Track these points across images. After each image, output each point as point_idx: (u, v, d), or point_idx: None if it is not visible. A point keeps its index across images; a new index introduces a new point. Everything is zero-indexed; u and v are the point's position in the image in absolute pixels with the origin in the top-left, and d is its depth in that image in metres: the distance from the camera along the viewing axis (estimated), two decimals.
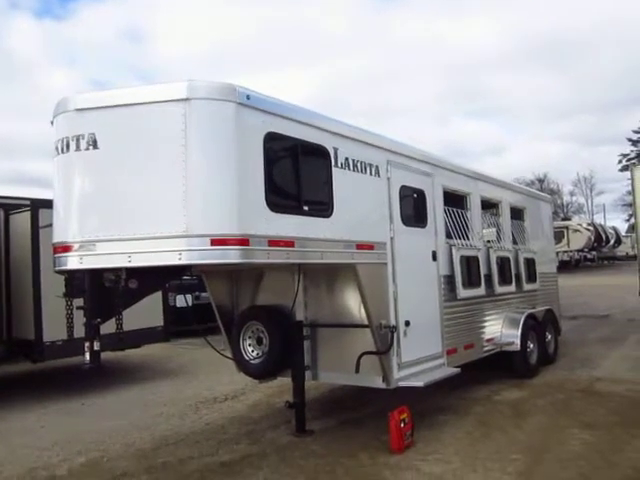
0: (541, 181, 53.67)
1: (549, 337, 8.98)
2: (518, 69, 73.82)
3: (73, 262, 4.22)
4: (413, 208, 6.25)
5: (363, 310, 5.36)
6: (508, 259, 8.13)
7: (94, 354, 4.43)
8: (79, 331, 4.71)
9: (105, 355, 4.78)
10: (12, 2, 70.21)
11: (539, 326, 8.48)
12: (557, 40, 67.10)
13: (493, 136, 73.75)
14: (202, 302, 11.44)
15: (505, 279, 7.95)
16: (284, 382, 6.55)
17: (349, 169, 5.21)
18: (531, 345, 8.11)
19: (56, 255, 4.38)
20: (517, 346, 7.67)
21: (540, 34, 69.40)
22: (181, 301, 12.35)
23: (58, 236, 4.39)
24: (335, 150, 5.05)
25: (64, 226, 4.34)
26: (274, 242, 4.36)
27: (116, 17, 77.88)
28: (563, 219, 42.25)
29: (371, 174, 5.52)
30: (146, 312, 8.31)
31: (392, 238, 5.69)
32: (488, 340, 7.52)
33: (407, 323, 5.73)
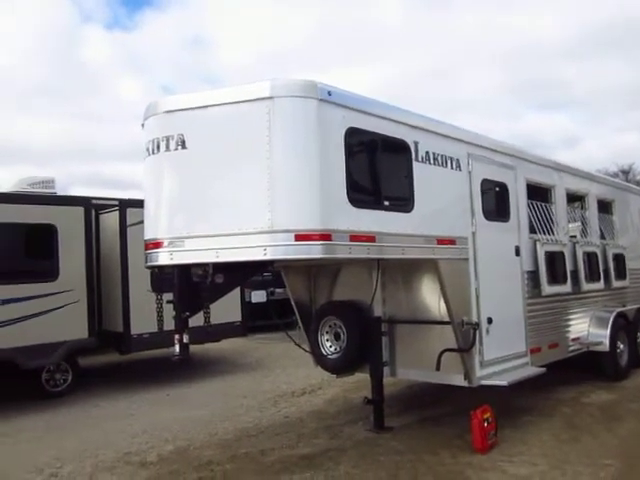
0: (626, 172, 50.36)
1: None
2: (590, 55, 69.11)
3: (164, 258, 4.39)
4: (495, 202, 6.07)
5: (444, 306, 5.27)
6: (595, 255, 7.74)
7: (183, 346, 4.60)
8: (167, 324, 4.92)
9: None
10: (85, 16, 74.61)
11: (630, 326, 8.03)
12: (633, 24, 62.25)
13: (566, 127, 69.59)
14: (277, 298, 11.70)
15: (592, 275, 7.58)
16: (360, 377, 6.57)
17: (429, 163, 5.13)
18: (621, 345, 7.69)
19: (147, 251, 4.57)
20: (606, 346, 7.29)
21: (613, 17, 64.64)
22: (256, 297, 12.64)
23: (149, 233, 4.58)
24: (415, 144, 4.98)
25: (155, 223, 4.53)
26: (355, 237, 4.36)
27: (179, 24, 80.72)
28: None
29: (452, 168, 5.40)
30: (225, 307, 8.58)
31: (474, 233, 5.55)
32: (574, 339, 7.19)
33: (490, 320, 5.58)
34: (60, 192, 9.36)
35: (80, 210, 8.49)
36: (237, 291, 9.73)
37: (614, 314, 7.57)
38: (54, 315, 7.99)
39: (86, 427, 6.71)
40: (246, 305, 10.49)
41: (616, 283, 8.17)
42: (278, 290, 11.82)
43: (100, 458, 5.53)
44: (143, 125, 4.68)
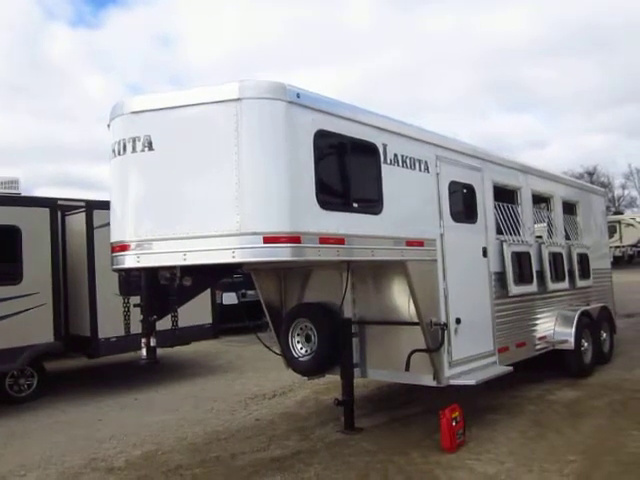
0: (591, 174, 51.66)
1: (604, 335, 8.69)
2: (556, 60, 70.96)
3: (130, 261, 4.33)
4: (463, 204, 6.15)
5: (413, 307, 5.32)
6: (561, 255, 7.91)
7: (150, 350, 4.56)
8: (134, 328, 4.85)
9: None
10: (49, 12, 73.30)
11: (593, 324, 8.22)
12: (596, 26, 63.78)
13: (533, 129, 71.35)
14: (248, 300, 11.64)
15: (558, 275, 7.74)
16: (331, 379, 6.57)
17: (398, 165, 5.17)
18: (585, 343, 7.86)
19: (114, 254, 4.50)
20: (571, 344, 7.45)
21: (578, 20, 66.21)
22: (227, 299, 12.59)
23: (116, 236, 4.51)
24: (384, 146, 5.02)
25: (121, 226, 4.46)
26: (325, 239, 4.37)
27: (145, 23, 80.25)
28: (615, 213, 40.63)
29: (420, 170, 5.46)
30: (196, 310, 8.48)
31: (442, 234, 5.62)
32: (540, 338, 7.34)
33: (458, 320, 5.65)
34: (25, 193, 9.15)
35: (45, 211, 8.29)
36: (208, 293, 9.64)
37: (579, 313, 7.73)
38: (18, 319, 7.78)
39: (52, 433, 6.56)
40: (217, 307, 10.41)
41: (580, 282, 8.37)
42: (249, 292, 11.76)
43: (66, 465, 5.41)
44: (109, 126, 4.61)
